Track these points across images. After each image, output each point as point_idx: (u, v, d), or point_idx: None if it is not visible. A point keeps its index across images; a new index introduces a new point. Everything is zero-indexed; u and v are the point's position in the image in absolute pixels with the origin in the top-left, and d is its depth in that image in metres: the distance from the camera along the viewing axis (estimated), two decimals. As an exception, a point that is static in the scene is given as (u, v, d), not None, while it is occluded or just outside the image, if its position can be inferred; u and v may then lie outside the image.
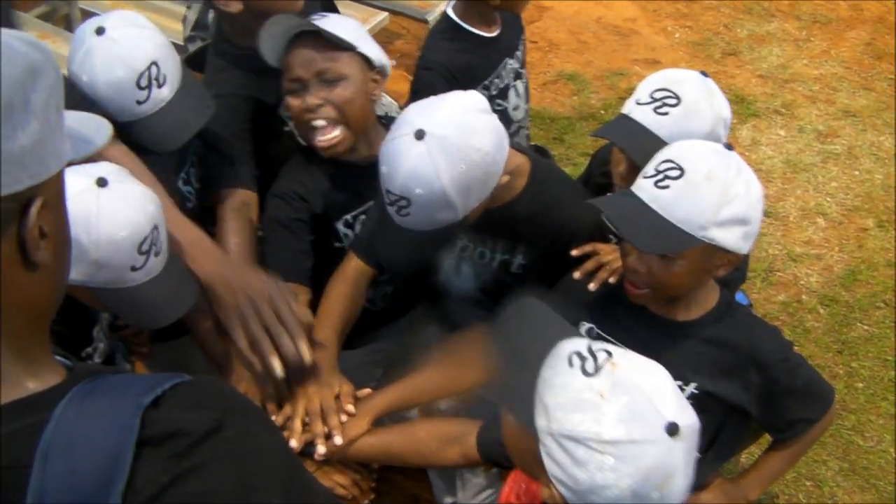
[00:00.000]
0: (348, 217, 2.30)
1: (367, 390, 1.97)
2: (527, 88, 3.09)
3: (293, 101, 2.15)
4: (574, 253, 2.10)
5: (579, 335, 1.42)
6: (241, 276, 1.86)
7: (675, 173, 1.77)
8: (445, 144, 1.86)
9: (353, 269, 2.21)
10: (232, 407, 1.02)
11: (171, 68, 2.12)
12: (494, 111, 2.86)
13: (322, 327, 2.07)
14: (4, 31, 0.95)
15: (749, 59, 5.66)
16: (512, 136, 3.00)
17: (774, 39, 5.87)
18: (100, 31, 2.04)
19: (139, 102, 2.06)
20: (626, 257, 1.90)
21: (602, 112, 5.16)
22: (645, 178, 1.83)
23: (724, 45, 5.79)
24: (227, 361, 2.07)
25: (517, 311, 1.53)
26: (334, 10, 2.80)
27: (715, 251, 1.80)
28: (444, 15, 2.89)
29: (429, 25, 5.17)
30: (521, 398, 1.35)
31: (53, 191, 0.98)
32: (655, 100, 2.06)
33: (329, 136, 2.16)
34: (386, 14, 4.91)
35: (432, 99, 1.99)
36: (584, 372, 1.29)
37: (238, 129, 2.35)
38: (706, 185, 1.76)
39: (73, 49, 2.08)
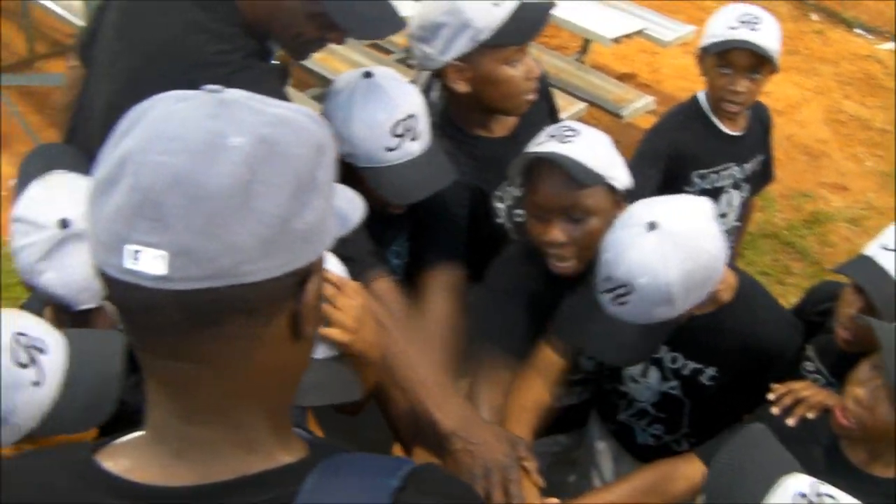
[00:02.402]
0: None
1: (555, 500, 1.92)
2: (744, 206, 3.10)
3: (536, 226, 2.16)
4: (770, 397, 2.09)
5: (802, 470, 1.43)
6: (482, 439, 1.84)
7: None
8: (677, 240, 1.88)
9: (546, 364, 2.20)
10: (466, 497, 1.08)
11: (425, 127, 2.16)
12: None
13: (516, 423, 2.06)
14: (295, 107, 0.98)
15: (939, 196, 5.52)
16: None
17: (968, 175, 5.73)
18: (367, 74, 2.12)
19: (389, 149, 2.11)
20: (857, 384, 1.88)
21: (785, 232, 5.11)
22: None
23: (915, 178, 5.67)
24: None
25: (745, 437, 1.55)
26: (552, 103, 2.85)
27: None
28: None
29: (623, 120, 5.24)
30: None
31: (319, 264, 0.99)
32: (904, 248, 2.04)
33: (565, 265, 2.16)
34: (585, 105, 4.97)
35: (664, 197, 2.03)
36: None
37: (455, 212, 2.36)
38: None
39: (334, 89, 2.16)
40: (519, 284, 2.28)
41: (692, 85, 6.46)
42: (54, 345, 1.63)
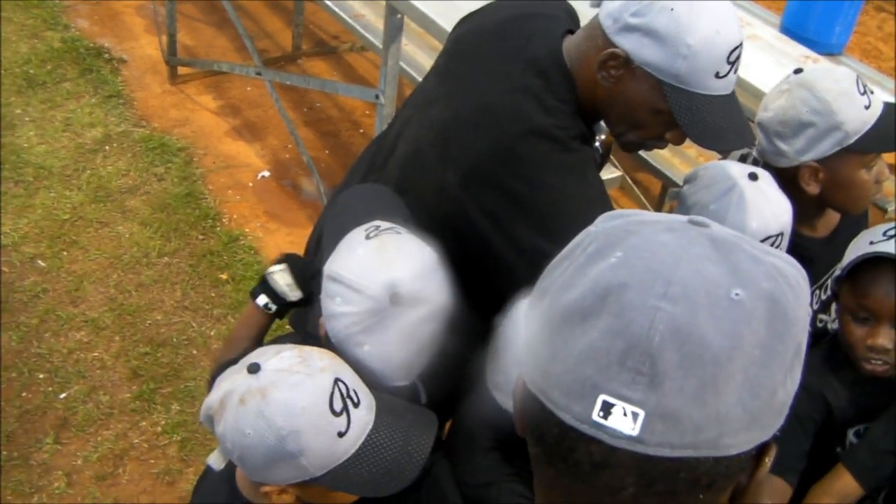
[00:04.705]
0: (860, 428, 2.13)
1: None
2: None
3: (856, 329, 2.01)
4: None
5: None
6: None
7: None
8: None
9: (842, 488, 2.04)
10: None
11: (785, 246, 2.02)
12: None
13: None
14: (783, 255, 0.85)
15: None
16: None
17: None
18: (753, 176, 1.99)
19: None
20: None
21: None
22: None
23: None
24: None
25: None
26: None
27: None
28: None
29: (886, 215, 4.89)
30: None
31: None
32: None
33: (882, 370, 2.02)
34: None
35: None
36: None
37: None
38: None
39: (708, 177, 2.04)
40: (811, 400, 2.11)
41: (960, 186, 6.11)
42: (367, 403, 1.56)
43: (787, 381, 0.80)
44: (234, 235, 4.62)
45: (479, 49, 1.98)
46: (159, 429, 3.63)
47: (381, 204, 1.91)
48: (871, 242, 2.00)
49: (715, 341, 0.74)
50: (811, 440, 2.10)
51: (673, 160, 4.13)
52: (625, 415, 0.74)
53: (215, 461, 1.63)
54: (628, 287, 0.76)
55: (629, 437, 0.74)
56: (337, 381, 1.51)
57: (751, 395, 0.76)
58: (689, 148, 4.23)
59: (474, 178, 1.85)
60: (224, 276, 4.37)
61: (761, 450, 0.82)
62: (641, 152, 4.14)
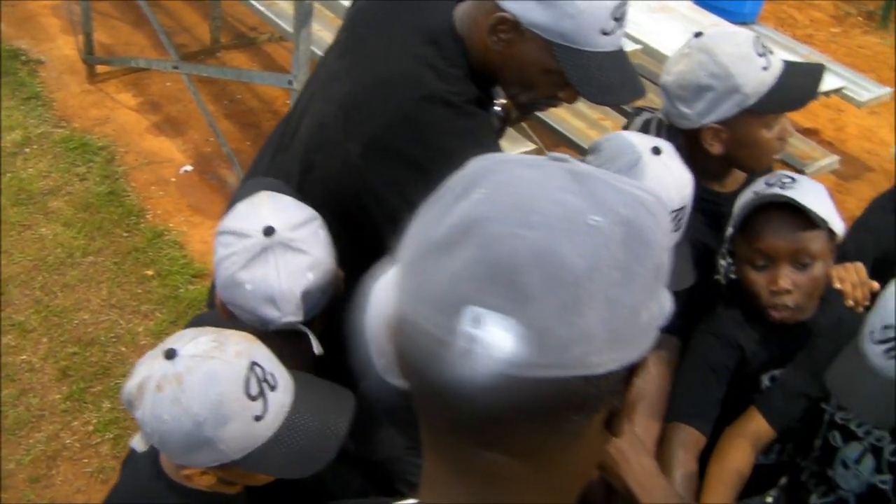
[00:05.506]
0: (775, 372, 2.18)
1: None
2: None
3: (757, 277, 2.07)
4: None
5: None
6: None
7: None
8: None
9: (754, 430, 2.09)
10: None
11: (686, 220, 2.04)
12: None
13: (714, 494, 1.97)
14: (642, 186, 0.88)
15: None
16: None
17: None
18: (656, 150, 1.99)
19: None
20: None
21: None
22: None
23: None
24: None
25: None
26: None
27: None
28: None
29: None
30: None
31: (646, 357, 0.90)
32: None
33: (789, 315, 2.08)
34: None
35: None
36: None
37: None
38: None
39: (610, 150, 2.03)
40: (724, 347, 2.17)
41: (877, 147, 6.26)
42: (284, 384, 1.57)
43: (650, 304, 0.83)
44: (158, 231, 4.60)
45: (377, 22, 2.01)
46: (91, 428, 3.61)
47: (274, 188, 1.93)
48: (756, 193, 2.07)
49: (574, 263, 0.77)
50: (725, 388, 2.14)
51: (590, 132, 4.20)
52: (492, 340, 0.76)
53: (138, 443, 1.65)
54: (490, 220, 0.79)
55: (498, 360, 0.77)
56: (253, 365, 1.52)
57: (612, 314, 0.78)
58: (605, 119, 4.29)
59: (375, 148, 1.88)
60: (150, 273, 4.36)
61: (632, 372, 0.85)
62: (558, 126, 4.20)
